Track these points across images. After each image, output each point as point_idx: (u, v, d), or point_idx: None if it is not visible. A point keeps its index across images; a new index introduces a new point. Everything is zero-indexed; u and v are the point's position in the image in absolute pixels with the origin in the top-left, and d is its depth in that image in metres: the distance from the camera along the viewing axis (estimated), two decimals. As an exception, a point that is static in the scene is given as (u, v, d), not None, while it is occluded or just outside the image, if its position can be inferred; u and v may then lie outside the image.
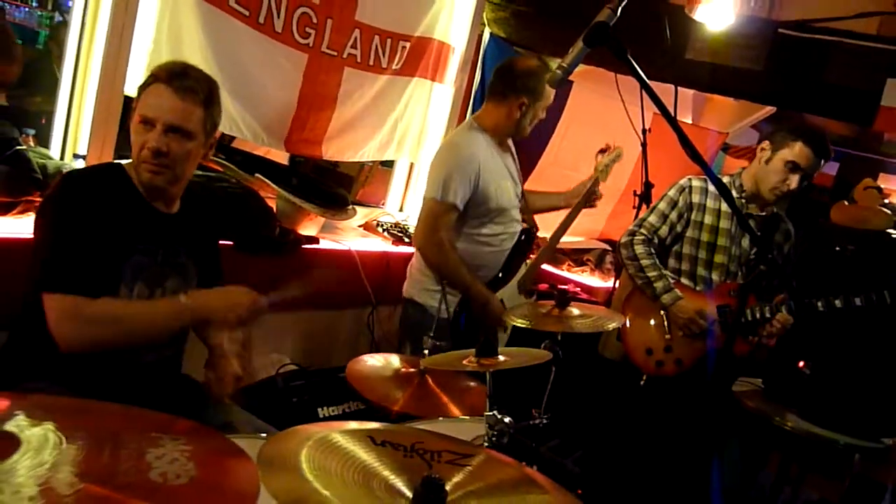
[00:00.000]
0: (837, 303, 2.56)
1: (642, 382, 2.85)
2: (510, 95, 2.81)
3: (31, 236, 1.84)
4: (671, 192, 2.84)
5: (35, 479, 0.63)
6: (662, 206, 2.83)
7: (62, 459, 0.67)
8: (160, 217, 1.91)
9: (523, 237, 2.99)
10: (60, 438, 0.71)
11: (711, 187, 2.78)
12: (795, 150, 2.62)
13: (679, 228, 2.82)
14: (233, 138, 3.26)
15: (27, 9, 3.77)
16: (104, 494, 0.63)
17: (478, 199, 2.77)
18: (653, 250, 2.81)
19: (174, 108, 1.79)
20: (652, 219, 2.83)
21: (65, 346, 1.69)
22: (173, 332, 1.91)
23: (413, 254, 3.06)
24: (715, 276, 2.78)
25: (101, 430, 0.77)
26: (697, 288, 2.81)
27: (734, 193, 2.75)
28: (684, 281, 2.84)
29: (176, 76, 1.80)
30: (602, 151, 3.21)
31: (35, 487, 0.61)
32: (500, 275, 2.94)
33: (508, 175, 2.93)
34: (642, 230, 2.82)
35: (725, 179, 2.82)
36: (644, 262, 2.79)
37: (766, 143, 2.73)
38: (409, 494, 0.95)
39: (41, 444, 0.68)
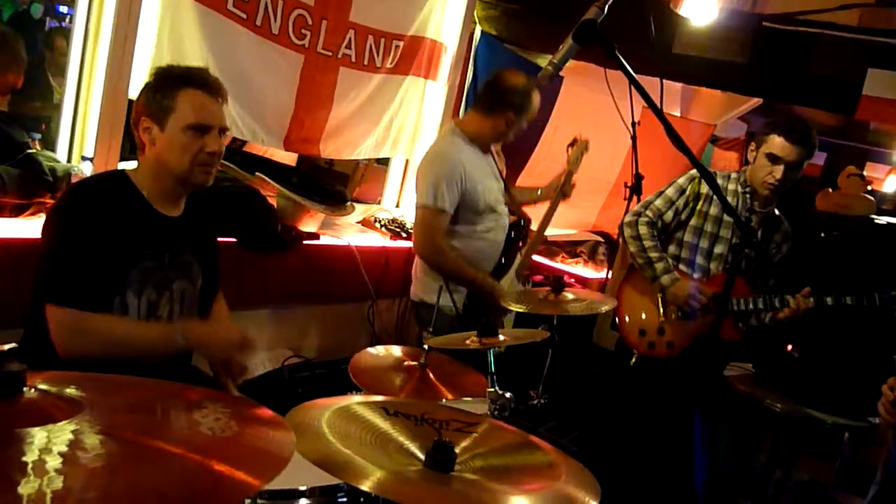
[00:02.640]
0: (829, 300, 2.64)
1: (633, 362, 2.91)
2: (497, 110, 2.95)
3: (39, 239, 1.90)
4: (681, 180, 2.88)
5: (97, 435, 0.72)
6: (670, 192, 2.87)
7: (119, 420, 0.76)
8: (166, 221, 1.97)
9: (514, 228, 3.16)
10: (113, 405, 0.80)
11: (720, 181, 2.84)
12: (772, 143, 2.68)
13: (683, 216, 2.86)
14: (244, 142, 3.36)
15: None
16: (164, 446, 0.72)
17: (467, 201, 2.91)
18: (656, 233, 2.85)
19: (219, 112, 1.93)
20: (658, 203, 2.86)
21: (63, 356, 1.76)
22: (165, 356, 1.96)
23: (414, 255, 3.16)
24: (713, 266, 2.83)
25: (148, 395, 0.86)
26: (695, 276, 2.85)
27: (739, 188, 2.81)
28: (682, 268, 2.88)
29: (210, 81, 1.92)
30: (571, 144, 3.35)
31: (98, 440, 0.70)
32: (503, 260, 3.10)
33: (492, 175, 3.07)
34: (648, 212, 2.86)
35: (733, 175, 2.88)
36: (647, 242, 2.82)
37: (752, 144, 2.81)
38: (422, 456, 1.04)
39: (98, 407, 0.77)
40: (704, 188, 2.82)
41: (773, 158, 2.68)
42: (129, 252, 1.87)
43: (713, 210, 2.82)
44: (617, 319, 3.00)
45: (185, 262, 2.03)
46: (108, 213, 1.84)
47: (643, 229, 2.84)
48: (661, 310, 2.88)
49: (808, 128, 2.71)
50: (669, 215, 2.85)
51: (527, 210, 3.37)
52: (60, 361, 1.77)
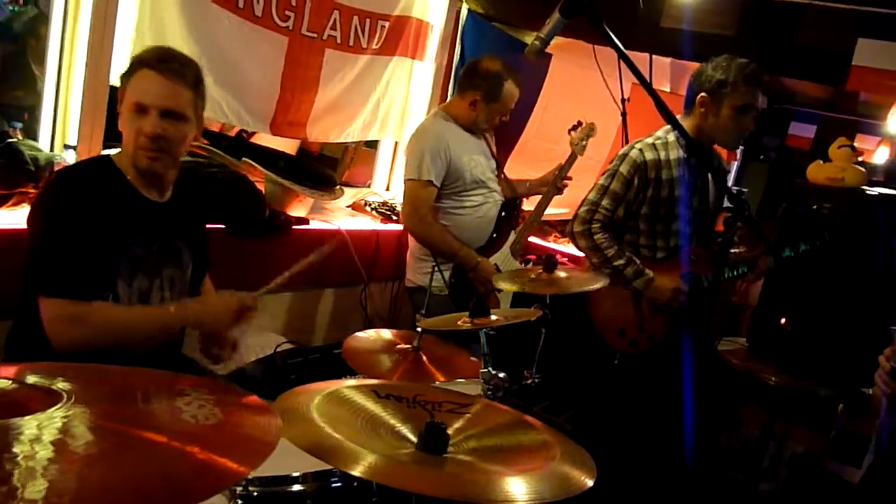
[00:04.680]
0: (787, 251, 2.63)
1: (616, 361, 2.80)
2: (467, 91, 3.05)
3: (26, 230, 1.86)
4: (623, 170, 2.63)
5: (76, 425, 0.70)
6: (616, 186, 2.64)
7: (99, 410, 0.74)
8: (153, 206, 1.93)
9: (507, 206, 3.19)
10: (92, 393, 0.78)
11: (662, 155, 2.63)
12: (744, 93, 2.52)
13: (635, 207, 2.67)
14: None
15: (-1, 2, 3.74)
16: (145, 435, 0.70)
17: (453, 174, 2.98)
18: (611, 234, 2.67)
19: (166, 93, 1.80)
20: (606, 203, 2.64)
21: (59, 349, 1.71)
22: (162, 339, 1.92)
23: (408, 240, 3.20)
24: (673, 243, 2.72)
25: (129, 384, 0.84)
26: (658, 256, 2.73)
27: (680, 154, 2.62)
28: (643, 252, 2.73)
29: (163, 60, 1.82)
30: (574, 128, 3.33)
31: (85, 428, 0.68)
32: (494, 235, 3.13)
33: (480, 151, 3.13)
34: (598, 216, 2.64)
35: (670, 138, 2.65)
36: (608, 251, 2.65)
37: (704, 97, 2.58)
38: (414, 439, 1.03)
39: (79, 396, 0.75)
40: (652, 173, 2.62)
41: (747, 109, 2.55)
42: (117, 238, 1.83)
43: (664, 192, 2.63)
44: (593, 322, 2.85)
45: (174, 249, 2.00)
46: (96, 200, 1.79)
47: (599, 237, 2.65)
48: (638, 306, 2.76)
49: (758, 66, 2.57)
50: (621, 212, 2.66)
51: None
52: (52, 352, 1.73)
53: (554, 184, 3.29)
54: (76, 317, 1.73)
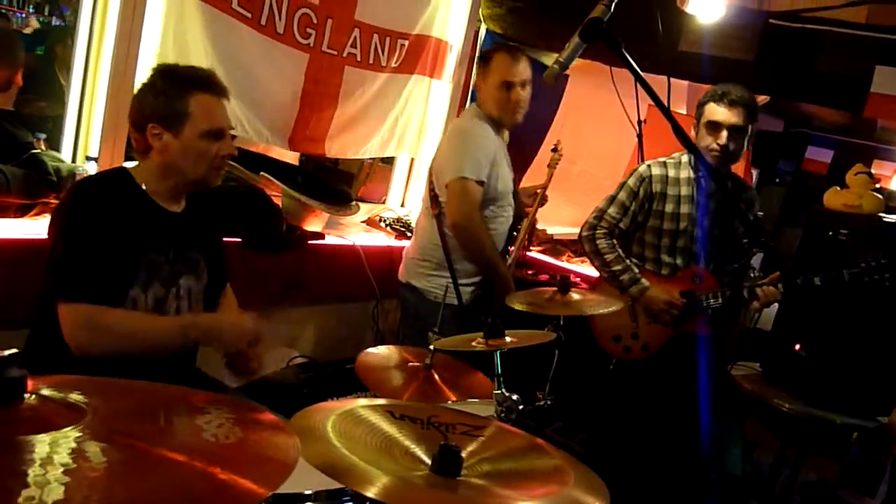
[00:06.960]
0: (799, 281, 2.62)
1: (611, 366, 2.92)
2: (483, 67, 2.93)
3: (47, 239, 1.90)
4: (631, 182, 2.82)
5: (98, 442, 0.71)
6: (623, 196, 2.82)
7: (118, 426, 0.75)
8: (168, 216, 1.97)
9: (514, 223, 3.09)
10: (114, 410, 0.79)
11: (672, 172, 2.79)
12: (709, 111, 2.67)
13: (640, 218, 2.82)
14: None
15: (23, 14, 3.83)
16: (167, 454, 0.71)
17: (489, 182, 2.83)
18: (615, 242, 2.82)
19: (227, 114, 1.96)
20: (612, 211, 2.82)
21: (78, 353, 1.75)
22: (179, 349, 1.94)
23: (416, 238, 3.10)
24: (679, 261, 2.81)
25: (149, 400, 0.85)
26: (662, 272, 2.84)
27: (690, 174, 2.77)
28: (648, 267, 2.85)
29: (216, 83, 1.93)
30: (554, 149, 3.34)
31: (104, 445, 0.69)
32: (507, 256, 3.04)
33: (507, 160, 3.01)
34: (603, 223, 2.82)
35: (684, 158, 2.82)
36: (608, 256, 2.80)
37: (694, 121, 2.79)
38: (428, 461, 1.03)
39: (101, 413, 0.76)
40: (657, 187, 2.79)
41: (714, 125, 2.65)
42: (134, 247, 1.87)
43: (669, 208, 2.78)
44: (591, 326, 2.96)
45: (191, 259, 2.03)
46: (114, 209, 1.83)
47: (601, 243, 2.81)
48: (633, 314, 2.85)
49: (743, 90, 2.67)
50: (626, 222, 2.82)
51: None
52: (67, 363, 1.76)
53: (541, 197, 3.24)
54: (93, 321, 1.76)
